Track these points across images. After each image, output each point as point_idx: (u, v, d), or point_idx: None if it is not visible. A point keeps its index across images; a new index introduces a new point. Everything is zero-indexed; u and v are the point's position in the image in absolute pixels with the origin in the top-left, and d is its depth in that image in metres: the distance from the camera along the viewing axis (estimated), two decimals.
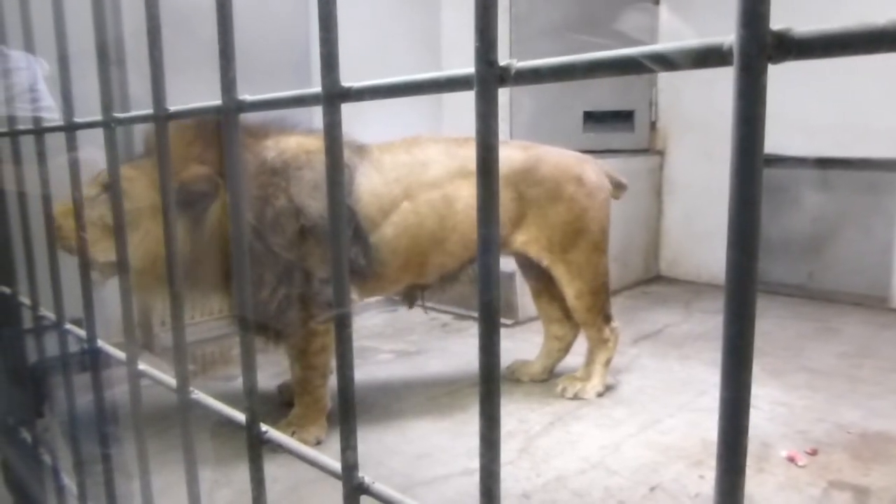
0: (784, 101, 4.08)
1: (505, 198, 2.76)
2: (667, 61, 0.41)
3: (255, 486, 0.82)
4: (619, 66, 0.44)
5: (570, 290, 2.94)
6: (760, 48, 0.36)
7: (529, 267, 3.14)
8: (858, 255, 4.46)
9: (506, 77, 0.49)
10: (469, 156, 2.74)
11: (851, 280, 4.49)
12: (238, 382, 3.21)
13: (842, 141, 4.38)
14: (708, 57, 0.39)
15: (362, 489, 0.67)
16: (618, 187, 3.10)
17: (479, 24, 0.48)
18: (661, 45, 0.41)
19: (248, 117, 2.47)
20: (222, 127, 0.75)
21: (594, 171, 2.97)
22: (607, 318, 3.03)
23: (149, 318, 3.61)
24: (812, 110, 4.41)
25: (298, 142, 2.55)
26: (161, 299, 2.52)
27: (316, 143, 2.55)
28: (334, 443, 2.59)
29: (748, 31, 0.36)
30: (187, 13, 2.68)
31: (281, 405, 2.92)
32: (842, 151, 4.41)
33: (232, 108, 0.74)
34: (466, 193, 2.68)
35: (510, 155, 2.83)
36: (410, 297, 2.95)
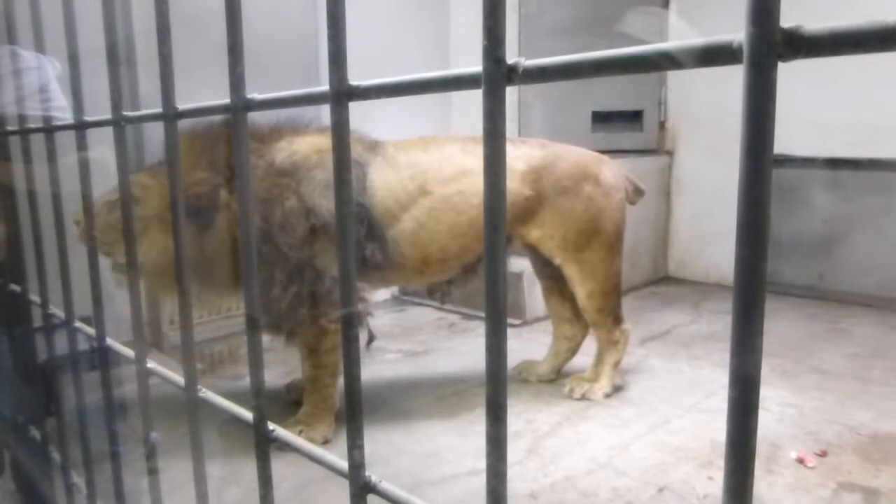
0: (794, 101, 4.06)
1: (521, 194, 2.76)
2: (676, 60, 0.41)
3: (262, 485, 0.83)
4: (628, 65, 0.43)
5: (582, 290, 2.93)
6: (770, 46, 0.36)
7: (542, 266, 3.13)
8: (869, 255, 4.43)
9: (513, 75, 0.48)
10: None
11: (862, 281, 4.46)
12: (246, 381, 3.21)
13: (852, 141, 4.35)
14: (717, 55, 0.39)
15: (369, 488, 0.67)
16: (636, 192, 3.08)
17: (487, 22, 0.47)
18: (671, 44, 0.41)
19: (260, 121, 2.53)
20: (230, 126, 0.75)
21: (612, 171, 2.96)
22: (618, 320, 3.02)
23: (158, 316, 3.63)
24: (822, 110, 4.38)
25: (311, 142, 2.58)
26: (174, 298, 2.60)
27: (328, 143, 2.56)
28: (342, 442, 2.60)
29: (758, 29, 0.36)
30: (196, 13, 2.69)
31: (289, 404, 2.93)
32: (852, 152, 4.38)
33: (240, 106, 0.74)
34: (482, 189, 2.69)
35: (528, 152, 2.83)
36: (440, 293, 2.97)
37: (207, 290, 2.59)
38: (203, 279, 2.47)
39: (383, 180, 2.62)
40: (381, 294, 4.74)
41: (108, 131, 1.09)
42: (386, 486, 0.65)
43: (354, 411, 0.67)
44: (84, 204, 1.23)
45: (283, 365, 3.34)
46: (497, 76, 0.48)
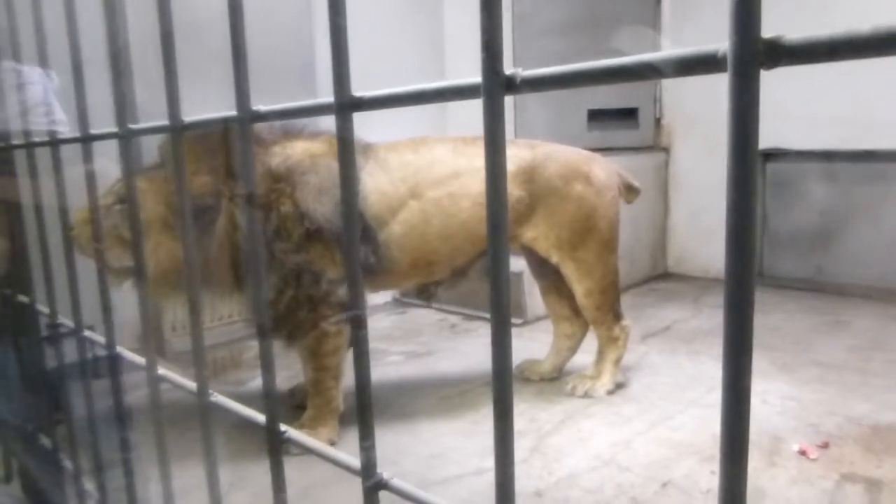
0: (788, 94, 4.09)
1: (512, 196, 2.77)
2: (663, 70, 0.43)
3: (275, 485, 0.85)
4: (620, 75, 0.46)
5: (580, 288, 2.95)
6: (753, 55, 0.38)
7: (539, 265, 3.15)
8: (867, 247, 4.45)
9: (512, 85, 0.51)
10: (476, 153, 2.77)
11: (860, 273, 4.49)
12: (249, 386, 3.23)
13: (847, 133, 4.38)
14: (703, 64, 0.42)
15: (381, 485, 0.69)
16: (630, 191, 3.09)
17: (485, 36, 0.50)
18: (659, 54, 0.43)
19: (258, 126, 2.55)
20: (237, 136, 0.78)
21: (603, 169, 2.97)
22: (617, 317, 3.04)
23: (159, 324, 3.65)
24: (817, 103, 4.41)
25: (303, 147, 2.59)
26: (174, 304, 2.65)
27: (321, 147, 2.59)
28: (345, 445, 2.61)
29: (740, 39, 0.38)
30: (192, 18, 2.71)
31: (292, 408, 2.95)
32: (848, 144, 4.41)
33: (246, 118, 0.76)
34: (473, 190, 2.70)
35: (518, 153, 2.84)
36: (426, 293, 2.99)
37: (205, 293, 2.63)
38: (204, 283, 2.51)
39: (375, 183, 2.63)
40: (382, 297, 4.76)
41: (107, 142, 1.10)
42: (398, 482, 0.67)
43: (365, 411, 0.69)
44: (91, 214, 1.25)
45: (287, 369, 3.35)
46: (496, 87, 0.51)
